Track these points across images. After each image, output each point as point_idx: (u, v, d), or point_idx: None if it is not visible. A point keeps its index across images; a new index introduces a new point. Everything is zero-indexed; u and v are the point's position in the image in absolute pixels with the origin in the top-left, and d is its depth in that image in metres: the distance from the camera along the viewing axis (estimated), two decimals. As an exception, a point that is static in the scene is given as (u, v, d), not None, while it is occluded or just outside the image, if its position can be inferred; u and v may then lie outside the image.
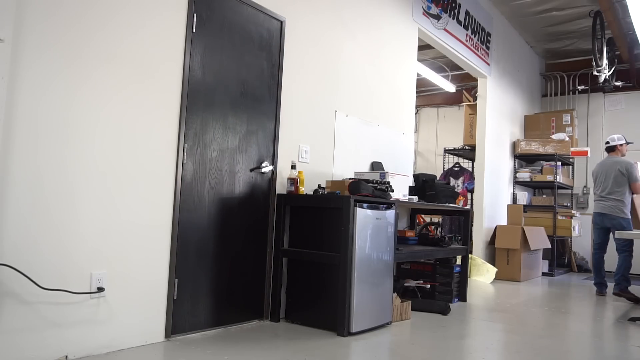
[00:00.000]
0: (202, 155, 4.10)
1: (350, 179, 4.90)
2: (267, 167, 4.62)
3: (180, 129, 3.96)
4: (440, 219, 9.90)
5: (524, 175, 10.67)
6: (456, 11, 8.25)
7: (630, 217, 7.48)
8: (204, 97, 4.11)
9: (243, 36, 4.44)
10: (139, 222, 3.74)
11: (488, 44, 9.47)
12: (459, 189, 10.76)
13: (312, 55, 5.28)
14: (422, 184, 5.89)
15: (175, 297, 3.95)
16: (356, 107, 5.87)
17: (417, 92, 9.12)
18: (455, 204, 6.39)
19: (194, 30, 4.06)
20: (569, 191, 11.71)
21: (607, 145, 7.91)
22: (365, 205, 4.48)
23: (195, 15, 4.08)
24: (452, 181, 11.01)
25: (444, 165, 11.92)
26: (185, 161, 3.98)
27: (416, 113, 13.50)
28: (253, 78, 4.52)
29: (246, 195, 4.46)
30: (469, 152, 10.77)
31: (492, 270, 8.62)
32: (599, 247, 7.79)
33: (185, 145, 3.98)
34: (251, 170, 4.49)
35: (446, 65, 11.42)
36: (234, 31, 4.37)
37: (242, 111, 4.41)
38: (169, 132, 3.91)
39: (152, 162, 3.81)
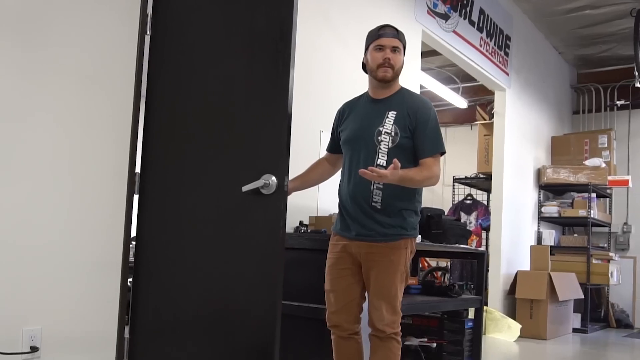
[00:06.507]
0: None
1: (339, 214, 4.96)
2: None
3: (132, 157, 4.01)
4: (449, 263, 9.95)
5: (551, 209, 10.72)
6: (468, 9, 8.38)
7: None
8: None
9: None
10: (81, 264, 3.77)
11: (507, 50, 9.58)
12: (471, 227, 10.81)
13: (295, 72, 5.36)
14: (427, 220, 5.95)
15: (125, 357, 3.97)
16: (346, 127, 5.93)
17: (420, 107, 9.13)
18: (467, 244, 6.44)
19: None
20: (606, 229, 11.73)
21: None
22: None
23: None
24: (464, 217, 11.05)
25: (453, 198, 11.93)
26: (139, 191, 4.00)
27: (419, 132, 13.52)
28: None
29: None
30: (483, 181, 10.84)
31: (515, 327, 8.64)
32: None
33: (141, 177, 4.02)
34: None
35: (456, 75, 11.46)
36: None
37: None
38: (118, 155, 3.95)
39: (97, 188, 3.85)
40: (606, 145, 11.18)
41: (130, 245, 4.05)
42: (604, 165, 10.76)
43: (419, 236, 4.51)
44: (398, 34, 3.96)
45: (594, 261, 10.41)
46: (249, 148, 3.80)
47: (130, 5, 4.05)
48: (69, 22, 3.74)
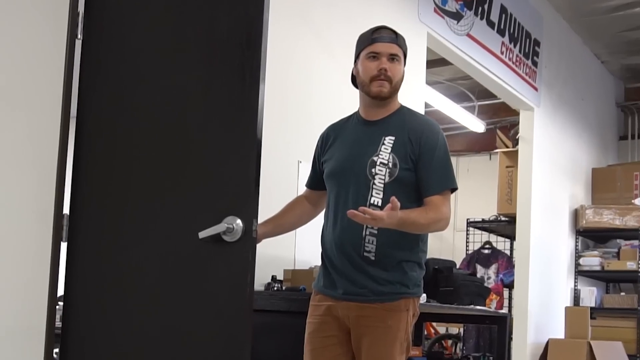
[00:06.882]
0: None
1: (321, 267, 4.99)
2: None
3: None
4: (462, 330, 9.97)
5: (592, 261, 10.73)
6: (486, 7, 8.42)
7: None
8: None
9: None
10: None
11: (536, 58, 9.65)
12: (490, 283, 10.84)
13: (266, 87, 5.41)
14: (434, 275, 5.99)
15: None
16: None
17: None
18: (485, 305, 6.48)
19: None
20: (662, 286, 11.74)
21: None
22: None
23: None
24: (480, 270, 11.06)
25: (467, 246, 11.97)
26: (68, 237, 4.01)
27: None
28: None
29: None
30: (505, 225, 10.88)
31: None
32: None
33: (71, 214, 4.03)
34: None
35: (470, 91, 11.50)
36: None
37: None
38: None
39: (14, 235, 3.87)
40: (661, 180, 11.21)
41: (57, 307, 4.05)
42: (658, 204, 10.79)
43: (424, 295, 4.54)
44: (397, 39, 3.98)
45: (646, 327, 10.42)
46: (208, 183, 3.78)
47: (57, 2, 3.98)
48: None
